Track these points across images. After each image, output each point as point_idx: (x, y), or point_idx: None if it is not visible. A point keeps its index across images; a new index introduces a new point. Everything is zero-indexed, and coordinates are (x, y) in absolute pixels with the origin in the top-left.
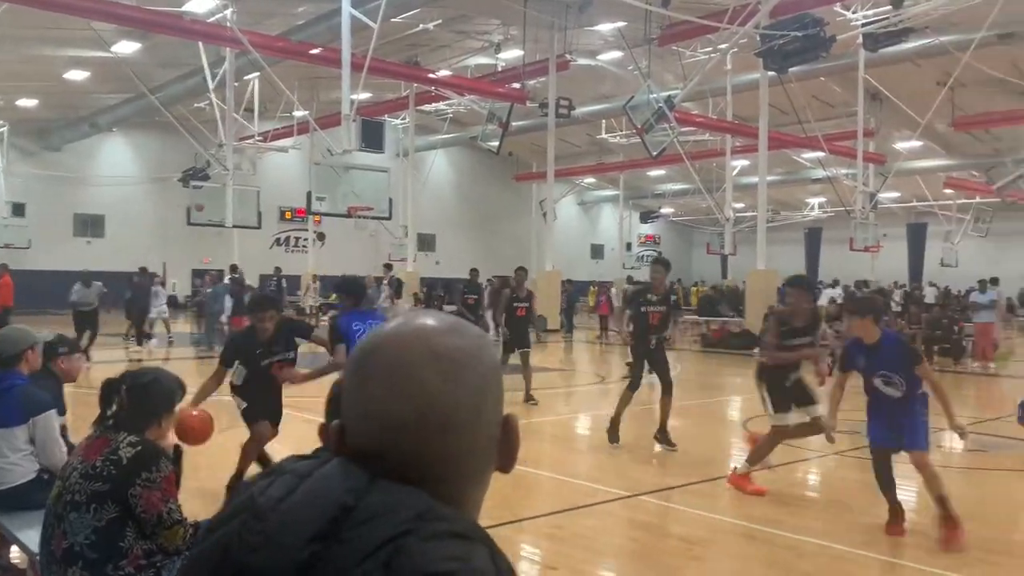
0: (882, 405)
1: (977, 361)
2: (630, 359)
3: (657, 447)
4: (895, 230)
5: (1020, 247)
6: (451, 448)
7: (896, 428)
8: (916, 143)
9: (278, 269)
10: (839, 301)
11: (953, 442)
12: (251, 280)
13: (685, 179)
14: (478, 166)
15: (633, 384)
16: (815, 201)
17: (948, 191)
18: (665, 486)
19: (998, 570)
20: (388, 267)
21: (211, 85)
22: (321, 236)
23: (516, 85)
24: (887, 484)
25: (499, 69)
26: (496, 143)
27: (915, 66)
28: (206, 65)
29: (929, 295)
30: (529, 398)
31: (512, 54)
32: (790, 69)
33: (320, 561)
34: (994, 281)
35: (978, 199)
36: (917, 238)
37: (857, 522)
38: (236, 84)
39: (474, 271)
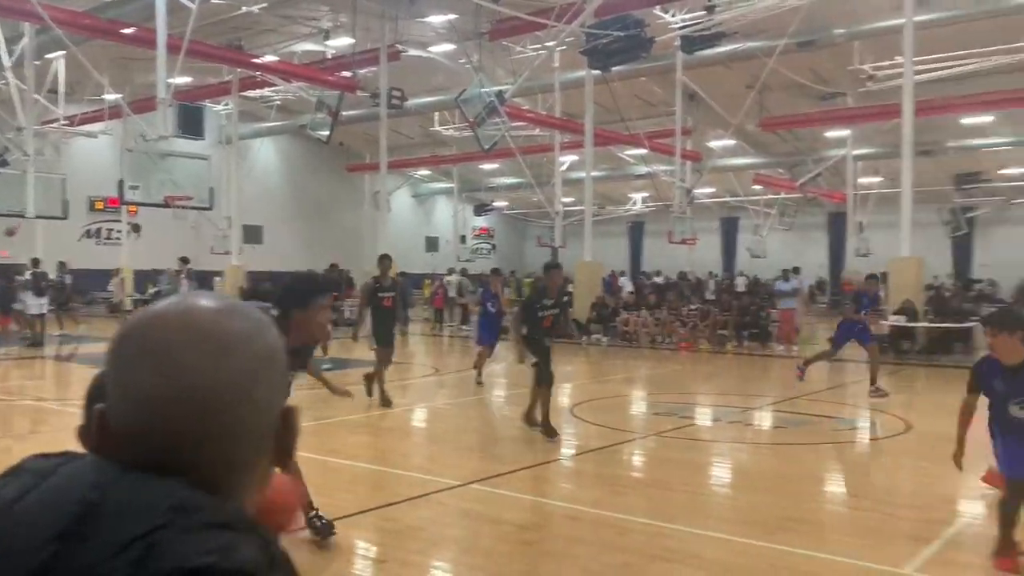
0: (1019, 434)
1: (782, 344)
2: (534, 360)
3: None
4: (710, 223)
5: (819, 239)
6: (214, 433)
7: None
8: (728, 142)
9: (63, 264)
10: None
11: (761, 420)
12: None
13: (517, 173)
14: (308, 156)
15: (543, 379)
16: (638, 196)
17: (757, 187)
18: (494, 473)
19: (797, 536)
20: (184, 260)
21: (8, 63)
22: (136, 227)
23: (347, 74)
24: (1012, 520)
25: (329, 57)
26: (326, 132)
27: (727, 69)
28: (2, 41)
29: (740, 284)
30: (371, 389)
31: (342, 42)
32: (613, 68)
33: (61, 562)
34: (796, 270)
35: (783, 195)
36: (729, 231)
37: (676, 500)
38: (38, 63)
39: (334, 265)
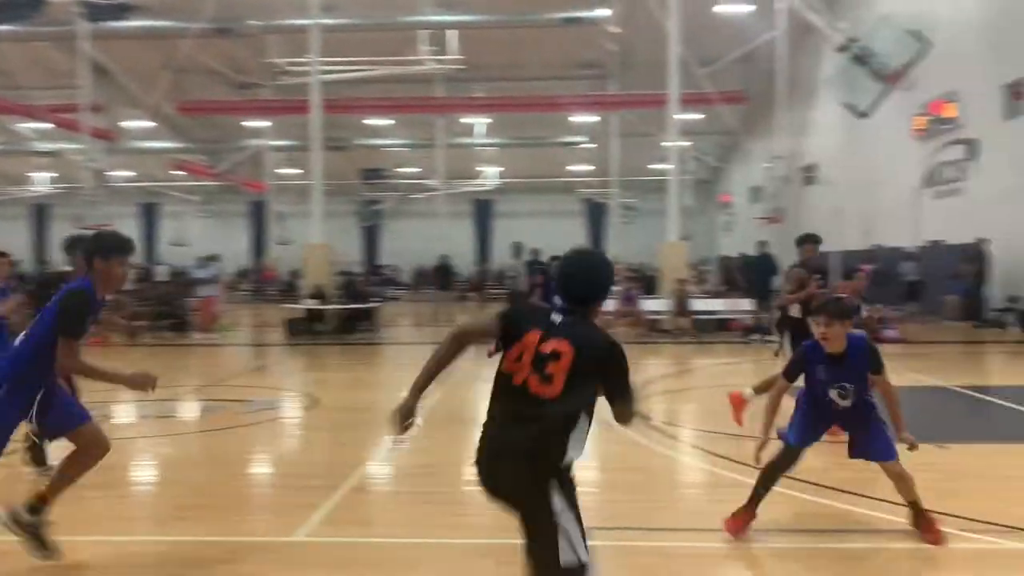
0: (827, 414)
1: (200, 332)
2: None
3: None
4: (129, 208)
5: (241, 227)
6: None
7: (854, 439)
8: (146, 123)
9: None
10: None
11: (179, 410)
12: None
13: None
14: None
15: None
16: (42, 176)
17: (179, 172)
18: None
19: (194, 524)
20: None
21: None
22: None
23: None
24: (770, 483)
25: None
26: None
27: (142, 46)
28: None
29: (163, 272)
30: None
31: None
32: None
33: None
34: (214, 258)
35: (205, 181)
36: (150, 217)
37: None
38: None
39: None
